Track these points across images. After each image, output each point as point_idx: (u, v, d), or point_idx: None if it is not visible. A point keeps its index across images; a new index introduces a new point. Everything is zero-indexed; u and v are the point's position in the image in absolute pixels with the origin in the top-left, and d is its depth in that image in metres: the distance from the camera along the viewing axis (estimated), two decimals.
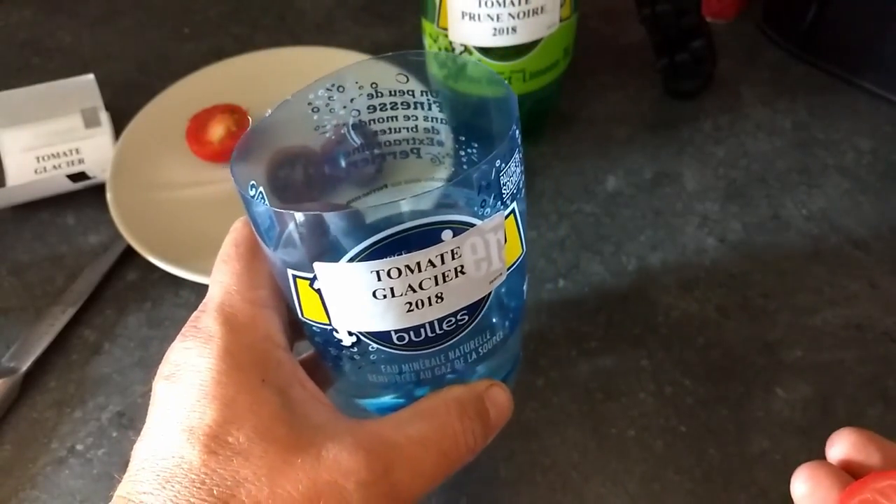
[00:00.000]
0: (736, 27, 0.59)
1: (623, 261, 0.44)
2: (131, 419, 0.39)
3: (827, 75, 0.55)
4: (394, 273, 0.23)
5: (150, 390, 0.39)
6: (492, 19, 0.41)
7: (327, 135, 0.29)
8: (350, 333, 0.25)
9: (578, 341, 0.41)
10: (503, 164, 0.24)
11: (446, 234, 0.23)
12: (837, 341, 0.40)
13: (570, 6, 0.43)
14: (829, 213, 0.46)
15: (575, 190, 0.48)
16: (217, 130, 0.49)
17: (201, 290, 0.43)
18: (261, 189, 0.26)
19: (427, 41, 0.46)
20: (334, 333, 0.26)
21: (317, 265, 0.23)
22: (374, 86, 0.28)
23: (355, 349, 0.26)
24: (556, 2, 0.41)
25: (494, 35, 0.41)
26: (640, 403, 0.38)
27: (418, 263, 0.23)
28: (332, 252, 0.23)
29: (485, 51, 0.43)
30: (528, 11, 0.41)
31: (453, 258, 0.23)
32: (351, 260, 0.23)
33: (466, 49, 0.43)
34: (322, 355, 0.28)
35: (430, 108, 0.29)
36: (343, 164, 0.31)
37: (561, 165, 0.50)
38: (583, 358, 0.40)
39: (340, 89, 0.28)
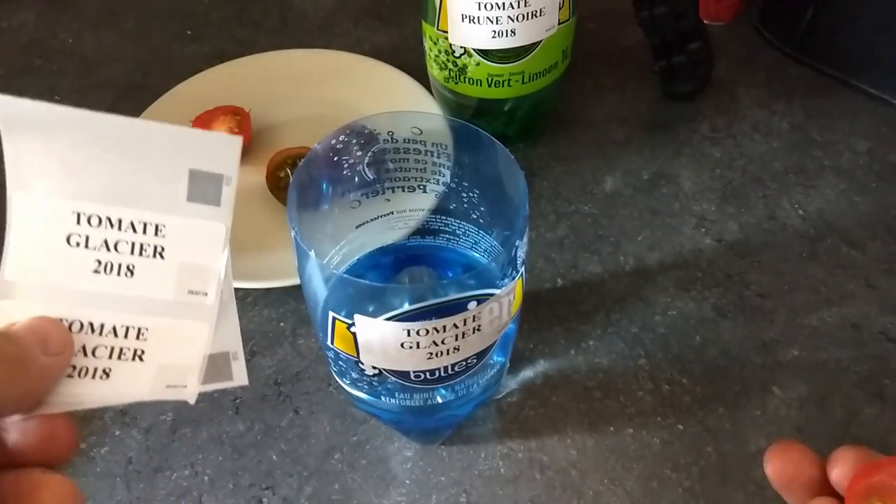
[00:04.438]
0: (733, 30, 0.59)
1: (621, 261, 0.45)
2: (134, 418, 0.39)
3: (823, 77, 0.55)
4: (422, 332, 0.27)
5: None
6: (491, 22, 0.41)
7: (345, 172, 0.33)
8: (374, 367, 0.29)
9: (577, 340, 0.41)
10: (519, 241, 0.28)
11: (471, 305, 0.27)
12: (834, 340, 0.41)
13: (569, 9, 0.43)
14: (825, 214, 0.47)
15: (573, 191, 0.49)
16: (219, 132, 0.49)
17: None
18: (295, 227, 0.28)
19: (427, 43, 0.46)
20: (359, 364, 0.29)
21: (357, 317, 0.27)
22: (390, 133, 0.32)
23: (376, 379, 0.30)
24: (555, 4, 0.42)
25: (494, 37, 0.42)
26: (637, 402, 0.39)
27: (444, 326, 0.27)
28: (373, 309, 0.27)
29: (484, 53, 0.44)
30: (528, 14, 0.41)
31: (473, 320, 0.27)
32: (388, 318, 0.27)
33: (466, 51, 0.44)
34: (340, 373, 0.32)
35: (438, 157, 0.33)
36: (349, 178, 0.34)
37: (559, 166, 0.50)
38: (581, 356, 0.40)
39: (360, 135, 0.32)
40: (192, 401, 0.24)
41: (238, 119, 0.50)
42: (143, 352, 0.23)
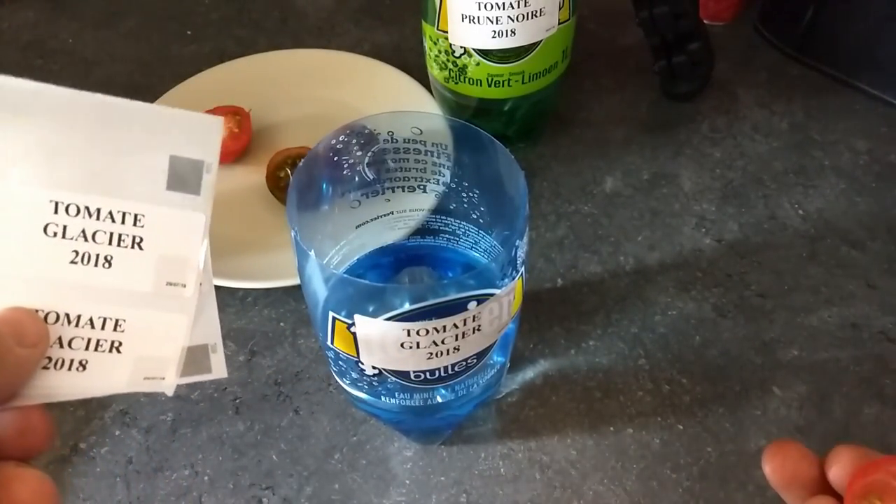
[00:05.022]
0: (733, 29, 0.59)
1: (621, 261, 0.45)
2: (134, 418, 0.39)
3: (823, 77, 0.55)
4: (422, 332, 0.27)
5: None
6: (491, 22, 0.41)
7: (345, 172, 0.33)
8: (374, 367, 0.29)
9: (577, 340, 0.41)
10: (519, 241, 0.28)
11: (471, 305, 0.27)
12: (834, 340, 0.41)
13: (569, 9, 0.43)
14: (825, 214, 0.47)
15: (573, 191, 0.49)
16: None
17: None
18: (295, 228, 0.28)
19: (427, 43, 0.46)
20: (359, 364, 0.29)
21: (357, 317, 0.27)
22: (390, 133, 0.32)
23: (376, 379, 0.30)
24: (555, 4, 0.42)
25: (494, 37, 0.42)
26: (637, 402, 0.39)
27: (444, 326, 0.27)
28: (373, 309, 0.27)
29: (484, 53, 0.44)
30: (528, 14, 0.41)
31: (473, 320, 0.27)
32: (388, 318, 0.27)
33: (466, 51, 0.44)
34: (340, 373, 0.32)
35: (438, 157, 0.33)
36: (349, 178, 0.34)
37: (559, 166, 0.50)
38: (581, 356, 0.40)
39: (360, 135, 0.32)
40: (169, 392, 0.23)
41: (238, 119, 0.50)
42: (120, 343, 0.23)
